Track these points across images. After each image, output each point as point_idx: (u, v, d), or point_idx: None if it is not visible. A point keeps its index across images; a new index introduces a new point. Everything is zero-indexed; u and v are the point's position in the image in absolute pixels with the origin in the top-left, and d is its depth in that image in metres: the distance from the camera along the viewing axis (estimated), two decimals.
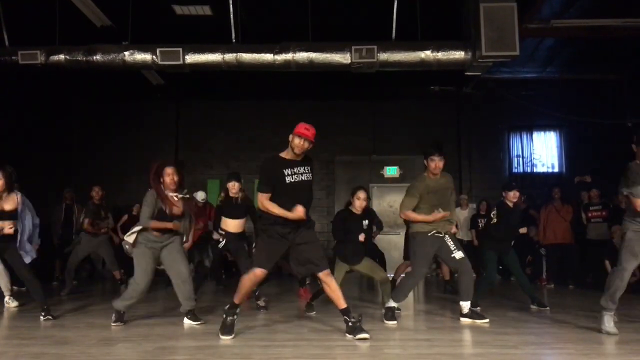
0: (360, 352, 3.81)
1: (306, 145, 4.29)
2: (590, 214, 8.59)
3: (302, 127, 4.29)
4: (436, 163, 5.10)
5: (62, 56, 7.57)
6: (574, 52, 9.68)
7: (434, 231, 5.13)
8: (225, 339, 4.24)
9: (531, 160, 12.35)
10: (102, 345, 4.06)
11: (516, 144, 12.37)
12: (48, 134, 11.37)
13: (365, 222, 5.74)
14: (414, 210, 5.15)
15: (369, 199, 5.81)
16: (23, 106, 11.07)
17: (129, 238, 5.00)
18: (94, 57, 7.58)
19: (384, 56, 7.39)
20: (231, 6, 7.29)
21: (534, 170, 12.31)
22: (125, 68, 7.75)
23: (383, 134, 12.00)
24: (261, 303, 6.08)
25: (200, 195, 9.06)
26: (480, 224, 10.25)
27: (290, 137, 4.31)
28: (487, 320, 5.06)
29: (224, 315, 4.38)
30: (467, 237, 10.59)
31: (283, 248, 4.39)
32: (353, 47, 7.39)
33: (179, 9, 8.02)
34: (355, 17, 8.30)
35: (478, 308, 5.49)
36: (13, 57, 7.53)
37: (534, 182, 11.80)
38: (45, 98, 11.43)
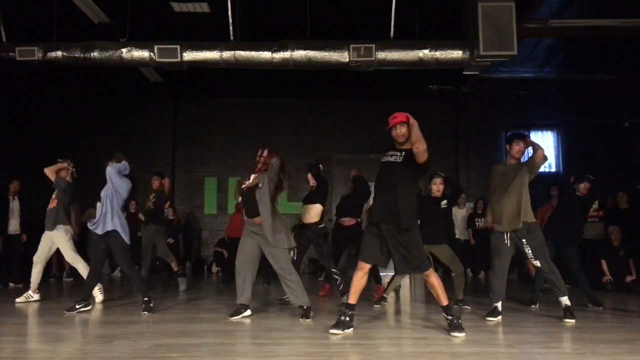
0: (357, 350, 3.81)
1: (403, 130, 4.44)
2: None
3: (390, 119, 4.49)
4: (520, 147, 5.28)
5: (59, 53, 7.56)
6: (571, 52, 9.69)
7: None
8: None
9: None
10: (97, 342, 4.05)
11: None
12: (45, 130, 11.36)
13: (444, 202, 6.02)
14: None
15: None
16: (20, 102, 11.07)
17: None
18: (92, 54, 7.57)
19: (382, 55, 7.39)
20: (229, 3, 7.28)
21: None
22: (123, 65, 7.73)
23: (381, 133, 11.88)
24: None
25: None
26: (477, 223, 10.27)
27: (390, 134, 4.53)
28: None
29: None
30: (464, 236, 10.62)
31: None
32: (351, 46, 7.38)
33: (177, 6, 8.00)
34: (353, 15, 8.29)
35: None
36: (10, 54, 7.52)
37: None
38: (42, 94, 11.42)
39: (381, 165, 4.53)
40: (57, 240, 6.45)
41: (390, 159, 4.46)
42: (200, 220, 12.13)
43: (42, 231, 6.52)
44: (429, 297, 6.75)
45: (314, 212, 6.37)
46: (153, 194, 7.61)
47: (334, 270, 6.39)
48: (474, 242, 10.14)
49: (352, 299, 4.50)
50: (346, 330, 4.40)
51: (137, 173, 10.64)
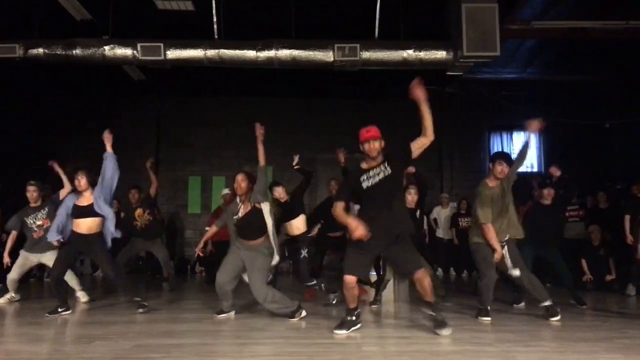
0: (339, 349, 3.82)
1: (376, 145, 4.45)
2: (567, 214, 8.70)
3: (363, 132, 4.49)
4: (502, 168, 5.30)
5: (40, 50, 7.46)
6: (554, 54, 9.79)
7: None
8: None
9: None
10: (78, 343, 4.02)
11: (497, 144, 12.48)
12: (25, 129, 11.21)
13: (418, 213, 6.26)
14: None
15: None
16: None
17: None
18: (74, 52, 7.48)
19: (366, 55, 7.41)
20: (213, 2, 7.24)
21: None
22: (106, 63, 7.66)
23: None
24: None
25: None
26: (460, 223, 10.34)
27: (361, 147, 4.49)
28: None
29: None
30: (448, 236, 10.68)
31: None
32: (336, 45, 7.39)
33: (160, 4, 7.93)
34: (338, 15, 8.29)
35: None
36: None
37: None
38: (23, 93, 11.27)
39: (369, 190, 4.36)
40: None
41: (378, 177, 4.36)
42: (184, 219, 12.06)
43: None
44: (412, 297, 6.78)
45: (300, 223, 6.39)
46: (138, 209, 7.44)
47: (308, 284, 6.37)
48: (458, 241, 10.20)
49: (352, 305, 4.52)
50: (352, 329, 4.44)
51: (120, 172, 10.51)
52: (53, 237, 5.45)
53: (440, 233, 10.79)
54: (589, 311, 5.94)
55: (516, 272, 5.18)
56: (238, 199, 5.28)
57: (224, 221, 5.50)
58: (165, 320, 5.11)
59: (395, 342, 3.84)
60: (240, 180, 5.23)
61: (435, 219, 10.90)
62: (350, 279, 4.39)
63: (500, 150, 12.12)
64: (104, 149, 5.81)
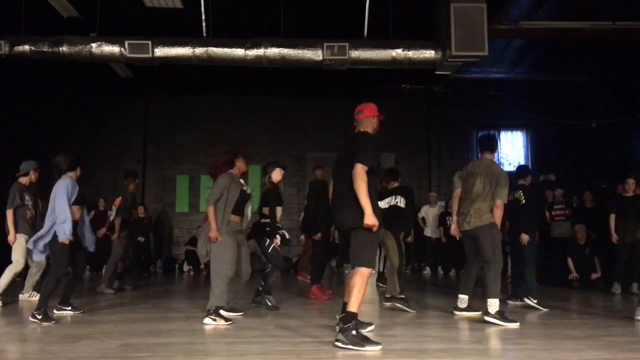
0: (326, 348, 3.81)
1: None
2: (554, 213, 8.77)
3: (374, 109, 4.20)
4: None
5: (27, 47, 7.36)
6: (541, 54, 9.87)
7: None
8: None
9: (498, 159, 12.57)
10: (63, 342, 3.98)
11: None
12: (11, 127, 11.08)
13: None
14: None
15: None
16: None
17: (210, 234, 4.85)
18: (60, 49, 7.40)
19: (355, 54, 7.40)
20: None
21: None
22: (93, 60, 7.58)
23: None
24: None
25: None
26: (448, 222, 10.38)
27: (371, 121, 4.15)
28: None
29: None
30: (436, 235, 10.73)
31: None
32: (325, 44, 7.37)
33: (148, 2, 7.87)
34: (327, 14, 8.29)
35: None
36: None
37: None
38: (8, 90, 11.13)
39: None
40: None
41: None
42: (172, 218, 12.00)
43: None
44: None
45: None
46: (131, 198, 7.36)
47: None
48: (446, 240, 10.24)
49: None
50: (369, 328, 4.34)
51: (107, 171, 10.55)
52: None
53: (428, 232, 10.84)
54: (575, 309, 6.00)
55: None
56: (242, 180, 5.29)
57: None
58: (152, 319, 5.08)
59: (382, 341, 3.83)
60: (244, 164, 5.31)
61: (423, 218, 10.95)
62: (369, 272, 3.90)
63: None
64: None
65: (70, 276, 5.26)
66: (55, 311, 5.18)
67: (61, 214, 4.96)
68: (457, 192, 5.44)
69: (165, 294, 7.30)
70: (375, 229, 3.78)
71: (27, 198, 6.27)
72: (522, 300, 6.03)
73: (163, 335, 4.26)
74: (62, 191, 5.04)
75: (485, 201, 5.15)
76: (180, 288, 8.22)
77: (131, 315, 5.27)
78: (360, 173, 3.75)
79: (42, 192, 6.48)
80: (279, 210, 6.03)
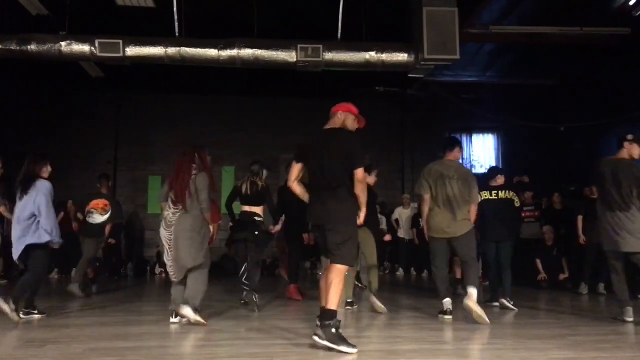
0: (297, 350, 3.80)
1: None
2: (523, 214, 8.91)
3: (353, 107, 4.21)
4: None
5: None
6: (512, 58, 10.04)
7: None
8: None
9: (470, 161, 12.75)
10: (28, 346, 3.89)
11: None
12: None
13: None
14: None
15: None
16: None
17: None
18: (29, 47, 7.26)
19: (329, 55, 7.43)
20: None
21: (473, 171, 12.69)
22: (62, 59, 7.46)
23: None
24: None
25: None
26: (421, 223, 10.47)
27: (347, 117, 4.15)
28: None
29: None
30: (409, 236, 10.81)
31: None
32: (299, 46, 7.38)
33: (120, 0, 7.78)
34: (301, 15, 8.29)
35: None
36: None
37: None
38: None
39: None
40: None
41: None
42: (144, 219, 11.85)
43: None
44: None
45: None
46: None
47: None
48: (418, 241, 10.32)
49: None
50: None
51: (77, 172, 10.36)
52: None
53: (401, 233, 10.91)
54: (543, 309, 6.10)
55: None
56: None
57: None
58: (121, 322, 4.99)
59: (354, 342, 3.84)
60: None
61: (396, 220, 11.02)
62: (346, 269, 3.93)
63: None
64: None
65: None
66: (22, 315, 5.05)
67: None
68: (427, 197, 5.37)
69: (136, 296, 7.20)
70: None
71: None
72: (498, 301, 6.09)
73: (132, 339, 4.19)
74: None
75: (465, 204, 5.23)
76: (152, 291, 8.12)
77: (100, 319, 5.18)
78: (363, 177, 3.90)
79: (4, 190, 6.34)
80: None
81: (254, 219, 5.97)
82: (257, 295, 5.76)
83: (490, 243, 6.14)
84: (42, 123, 11.50)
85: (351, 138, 4.01)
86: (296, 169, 4.09)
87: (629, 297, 5.14)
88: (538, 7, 8.08)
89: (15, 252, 5.05)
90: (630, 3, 7.65)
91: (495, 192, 6.20)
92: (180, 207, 4.75)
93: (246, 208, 6.05)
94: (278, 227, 6.43)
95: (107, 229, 7.23)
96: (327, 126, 4.15)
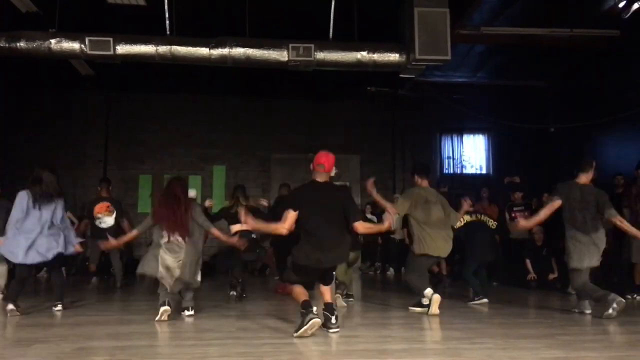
0: (288, 349, 3.80)
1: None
2: (513, 214, 8.96)
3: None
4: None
5: None
6: (502, 59, 10.08)
7: None
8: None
9: (461, 161, 12.81)
10: (16, 346, 3.86)
11: (447, 146, 12.80)
12: None
13: None
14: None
15: None
16: None
17: None
18: (18, 44, 7.20)
19: (321, 55, 7.43)
20: None
21: (464, 172, 12.80)
22: (52, 56, 7.40)
23: (319, 133, 12.03)
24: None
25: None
26: (394, 226, 10.50)
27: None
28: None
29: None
30: (400, 236, 10.81)
31: None
32: (290, 45, 7.37)
33: None
34: (293, 14, 8.28)
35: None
36: None
37: (463, 183, 12.21)
38: None
39: None
40: None
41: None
42: (134, 219, 11.72)
43: None
44: (366, 296, 6.84)
45: None
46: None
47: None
48: (409, 241, 10.32)
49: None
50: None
51: (67, 171, 10.30)
52: None
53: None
54: (532, 309, 6.13)
55: None
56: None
57: None
58: (111, 322, 4.97)
59: (344, 341, 3.86)
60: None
61: None
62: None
63: (449, 153, 12.57)
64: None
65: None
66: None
67: None
68: (402, 215, 6.00)
69: (126, 296, 7.14)
70: None
71: None
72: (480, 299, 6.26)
73: (121, 338, 4.17)
74: None
75: (448, 226, 5.81)
76: (142, 290, 8.07)
77: (89, 318, 5.15)
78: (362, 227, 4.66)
79: None
80: None
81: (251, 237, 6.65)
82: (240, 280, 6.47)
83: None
84: (32, 121, 11.41)
85: (346, 193, 4.89)
86: (292, 217, 4.40)
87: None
88: (528, 8, 8.13)
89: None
90: (620, 5, 7.71)
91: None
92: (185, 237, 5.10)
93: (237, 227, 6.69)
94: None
95: (126, 225, 7.95)
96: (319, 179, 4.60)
